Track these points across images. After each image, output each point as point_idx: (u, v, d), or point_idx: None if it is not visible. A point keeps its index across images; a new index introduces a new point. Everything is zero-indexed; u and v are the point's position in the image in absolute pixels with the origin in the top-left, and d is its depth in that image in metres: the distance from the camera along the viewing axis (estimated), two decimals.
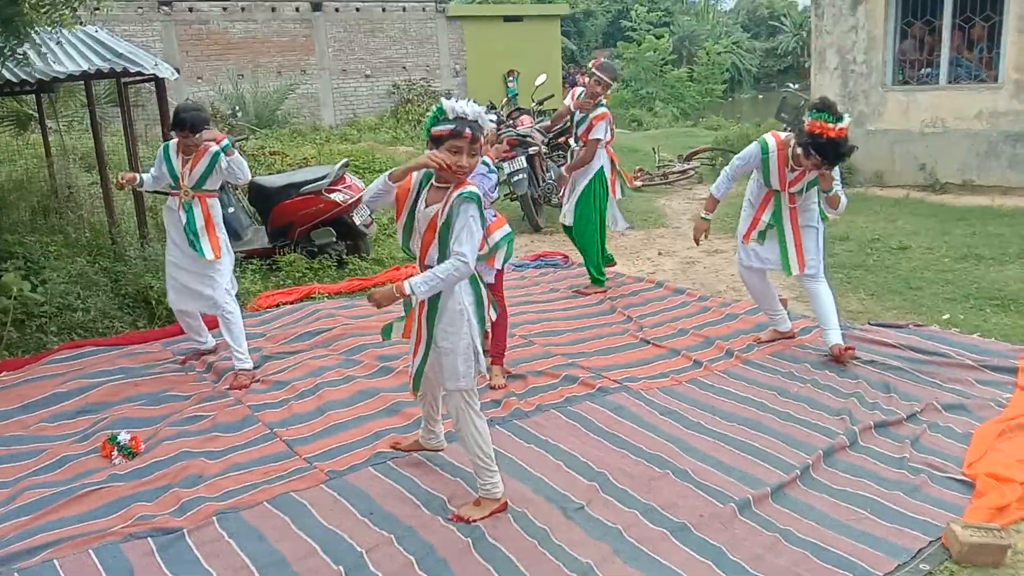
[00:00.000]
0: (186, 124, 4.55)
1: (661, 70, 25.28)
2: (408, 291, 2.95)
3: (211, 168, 4.70)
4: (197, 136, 4.60)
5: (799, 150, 4.45)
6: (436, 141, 2.97)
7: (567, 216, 6.38)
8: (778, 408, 4.22)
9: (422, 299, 3.06)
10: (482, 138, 3.00)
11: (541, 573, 2.90)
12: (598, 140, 6.02)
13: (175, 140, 4.72)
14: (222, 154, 4.66)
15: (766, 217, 4.83)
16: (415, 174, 3.09)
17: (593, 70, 6.00)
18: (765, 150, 4.67)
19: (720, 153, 12.80)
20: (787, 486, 3.45)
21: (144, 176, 5.01)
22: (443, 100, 2.99)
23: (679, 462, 3.66)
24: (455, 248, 2.96)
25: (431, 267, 3.02)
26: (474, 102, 3.02)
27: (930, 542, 3.04)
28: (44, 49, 5.58)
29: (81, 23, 6.47)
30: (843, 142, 4.28)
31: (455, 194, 2.98)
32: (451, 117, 2.95)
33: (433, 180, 3.07)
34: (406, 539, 3.12)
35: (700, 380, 4.62)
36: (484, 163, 4.20)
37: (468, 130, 2.92)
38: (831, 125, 4.24)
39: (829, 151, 4.28)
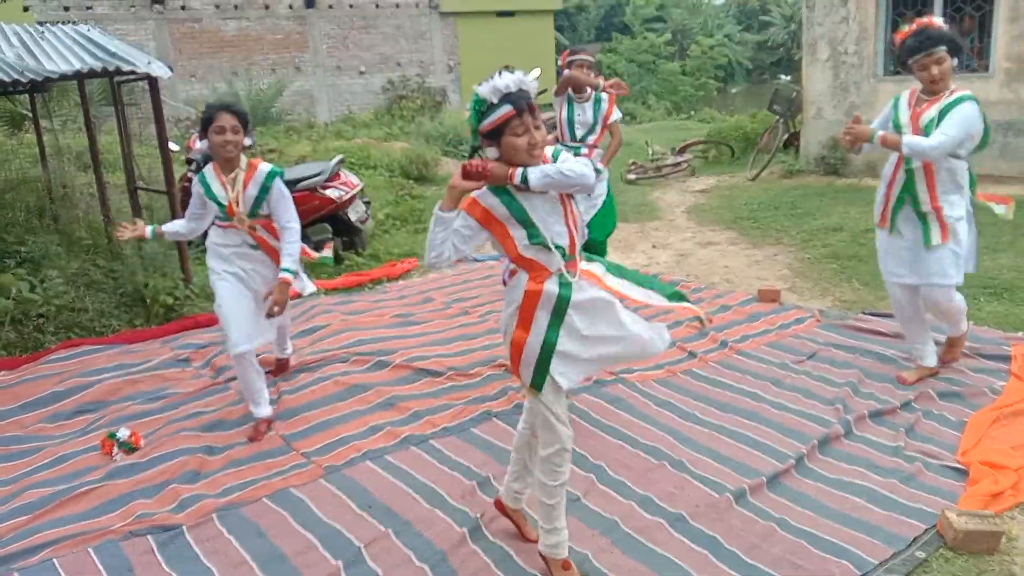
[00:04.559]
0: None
1: (654, 64, 25.36)
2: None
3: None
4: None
5: (908, 66, 4.08)
6: (493, 135, 2.56)
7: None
8: (773, 398, 4.24)
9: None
10: (534, 102, 2.59)
11: (538, 564, 2.91)
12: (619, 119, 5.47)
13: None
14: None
15: (896, 190, 4.18)
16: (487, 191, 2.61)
17: (571, 58, 5.27)
18: (896, 98, 4.27)
19: (713, 145, 12.83)
20: (782, 475, 3.47)
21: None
22: (476, 88, 2.57)
23: (675, 453, 3.69)
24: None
25: (576, 252, 2.69)
26: (504, 74, 2.61)
27: (925, 529, 3.06)
28: (36, 49, 5.57)
29: (73, 22, 6.47)
30: (927, 26, 3.99)
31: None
32: (497, 100, 2.53)
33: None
34: (404, 533, 3.13)
35: (695, 371, 4.64)
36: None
37: (523, 102, 2.53)
38: (906, 27, 4.06)
39: (927, 35, 3.96)
